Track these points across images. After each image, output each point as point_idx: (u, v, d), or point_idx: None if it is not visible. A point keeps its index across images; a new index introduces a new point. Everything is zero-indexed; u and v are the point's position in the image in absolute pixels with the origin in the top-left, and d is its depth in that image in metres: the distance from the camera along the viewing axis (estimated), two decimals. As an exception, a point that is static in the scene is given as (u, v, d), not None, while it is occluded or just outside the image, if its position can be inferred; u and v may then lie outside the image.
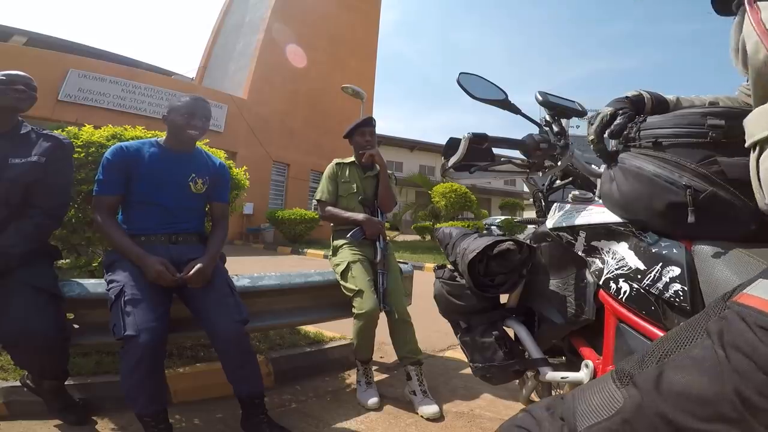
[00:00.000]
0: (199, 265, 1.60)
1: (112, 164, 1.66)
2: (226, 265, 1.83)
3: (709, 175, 0.75)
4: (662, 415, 0.48)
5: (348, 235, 2.20)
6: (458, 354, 2.67)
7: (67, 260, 2.21)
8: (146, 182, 1.68)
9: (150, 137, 2.02)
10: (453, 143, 1.07)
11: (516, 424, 0.65)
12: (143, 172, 1.68)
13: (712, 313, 0.52)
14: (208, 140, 2.29)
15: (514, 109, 1.18)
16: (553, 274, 1.10)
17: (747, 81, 0.92)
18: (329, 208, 2.33)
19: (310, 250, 10.05)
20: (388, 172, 2.42)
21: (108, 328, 1.46)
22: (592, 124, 0.96)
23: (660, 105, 0.97)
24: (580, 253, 0.99)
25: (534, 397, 1.33)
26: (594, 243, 0.96)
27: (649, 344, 0.57)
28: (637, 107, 0.95)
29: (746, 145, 0.58)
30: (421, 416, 1.89)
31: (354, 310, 2.02)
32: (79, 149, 1.92)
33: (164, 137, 1.82)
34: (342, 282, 2.12)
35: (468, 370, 2.09)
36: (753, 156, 0.57)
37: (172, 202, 1.72)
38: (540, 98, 1.15)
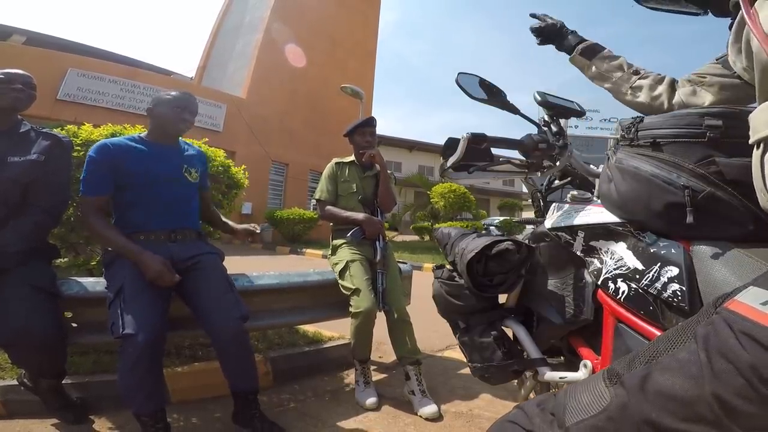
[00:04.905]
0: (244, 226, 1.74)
1: (98, 163, 1.61)
2: (224, 264, 1.83)
3: (707, 175, 0.75)
4: (645, 414, 0.49)
5: (348, 235, 2.20)
6: (457, 354, 2.67)
7: (66, 259, 2.21)
8: (140, 178, 1.66)
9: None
10: (452, 143, 1.07)
11: (508, 420, 0.66)
12: (134, 169, 1.65)
13: (702, 318, 0.53)
14: (206, 139, 2.30)
15: (512, 109, 1.18)
16: (552, 274, 1.10)
17: (709, 60, 0.97)
18: (329, 207, 2.33)
19: (308, 250, 10.04)
20: (388, 171, 2.42)
21: (106, 326, 1.46)
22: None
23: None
24: (578, 253, 0.99)
25: (533, 397, 1.33)
26: (592, 243, 0.96)
27: (642, 346, 0.58)
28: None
29: (750, 141, 0.57)
30: (420, 416, 1.89)
31: (351, 309, 2.02)
32: (78, 148, 1.92)
33: (147, 132, 1.80)
34: (340, 281, 2.13)
35: (467, 370, 2.09)
36: (757, 153, 0.56)
37: (170, 195, 1.71)
38: (539, 98, 1.16)
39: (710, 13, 0.81)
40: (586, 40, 1.18)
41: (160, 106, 1.73)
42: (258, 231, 1.83)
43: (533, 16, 1.28)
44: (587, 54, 1.16)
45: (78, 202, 1.99)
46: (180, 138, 1.91)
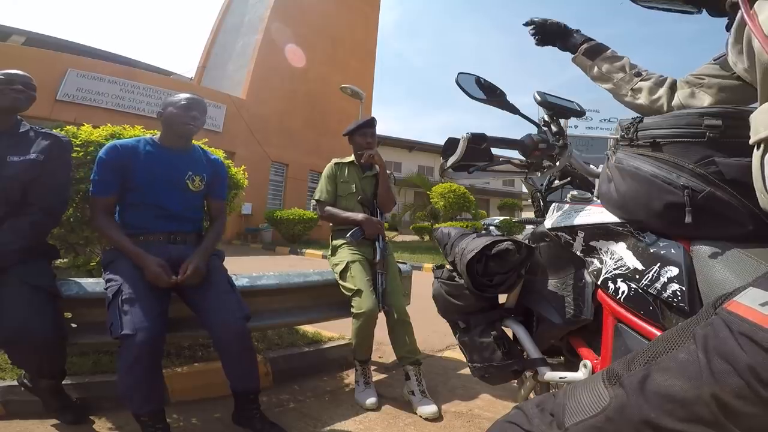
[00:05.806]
0: (193, 265, 1.60)
1: (106, 163, 1.65)
2: (224, 264, 1.83)
3: (707, 175, 0.74)
4: (644, 415, 0.50)
5: (347, 235, 2.20)
6: (457, 354, 2.67)
7: (65, 259, 2.21)
8: (143, 181, 1.68)
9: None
10: (451, 143, 1.07)
11: (508, 420, 0.66)
12: (140, 172, 1.67)
13: (701, 319, 0.53)
14: (206, 139, 2.29)
15: (512, 109, 1.18)
16: (552, 274, 1.10)
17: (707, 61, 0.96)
18: (328, 208, 2.33)
19: (308, 251, 10.05)
20: (388, 171, 2.42)
21: (106, 327, 1.46)
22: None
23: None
24: (578, 253, 0.99)
25: (532, 397, 1.33)
26: (592, 243, 0.96)
27: (641, 346, 0.59)
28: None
29: (751, 141, 0.57)
30: (420, 416, 1.89)
31: (353, 310, 2.02)
32: (77, 148, 1.92)
33: (159, 135, 1.82)
34: (341, 281, 2.13)
35: (467, 370, 2.09)
36: (757, 154, 0.56)
37: (170, 201, 1.71)
38: (538, 98, 1.15)
39: (706, 13, 0.81)
40: (591, 40, 1.17)
41: (168, 109, 1.74)
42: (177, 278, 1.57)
43: (529, 23, 1.25)
44: (590, 54, 1.15)
45: (78, 202, 1.99)
46: (199, 146, 1.92)
